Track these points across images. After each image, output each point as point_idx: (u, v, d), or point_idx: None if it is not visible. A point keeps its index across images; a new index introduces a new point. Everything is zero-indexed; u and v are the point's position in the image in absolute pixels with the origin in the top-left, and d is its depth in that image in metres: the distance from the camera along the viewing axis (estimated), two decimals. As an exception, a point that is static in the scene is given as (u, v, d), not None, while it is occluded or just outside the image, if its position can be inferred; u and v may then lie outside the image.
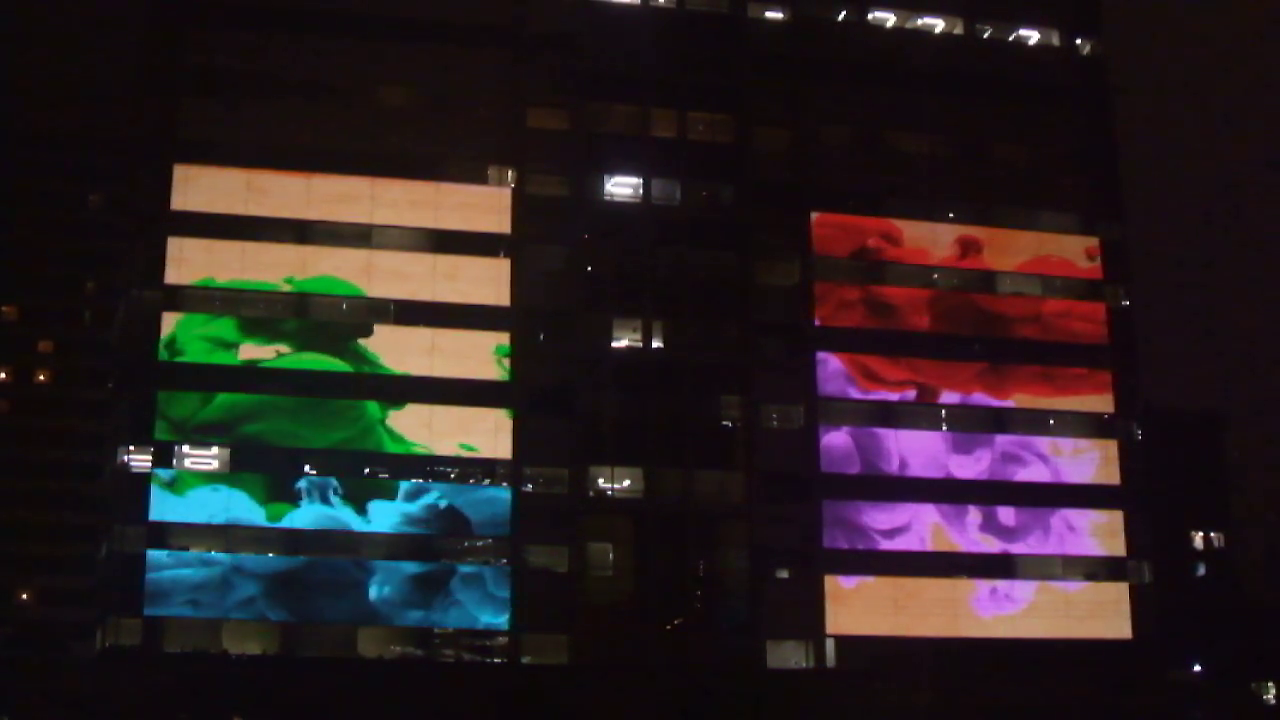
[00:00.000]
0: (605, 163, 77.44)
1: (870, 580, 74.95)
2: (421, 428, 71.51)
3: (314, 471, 70.13)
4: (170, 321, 70.45)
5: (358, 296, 72.46)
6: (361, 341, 72.18)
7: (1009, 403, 79.40)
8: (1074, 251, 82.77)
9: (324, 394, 70.92)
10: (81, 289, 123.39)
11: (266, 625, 68.22)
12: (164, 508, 68.19)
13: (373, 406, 71.32)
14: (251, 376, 70.42)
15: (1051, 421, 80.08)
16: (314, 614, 68.91)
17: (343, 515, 69.77)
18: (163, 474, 68.64)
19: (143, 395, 69.73)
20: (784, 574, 74.92)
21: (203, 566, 67.93)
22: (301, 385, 70.84)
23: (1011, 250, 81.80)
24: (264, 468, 69.41)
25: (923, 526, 76.62)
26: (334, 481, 70.11)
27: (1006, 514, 77.83)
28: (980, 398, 79.17)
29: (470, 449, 71.89)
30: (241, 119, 73.47)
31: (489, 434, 72.12)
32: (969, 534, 77.16)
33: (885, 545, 75.88)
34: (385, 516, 70.37)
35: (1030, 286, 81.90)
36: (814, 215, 79.18)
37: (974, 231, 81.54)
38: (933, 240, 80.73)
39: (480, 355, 73.01)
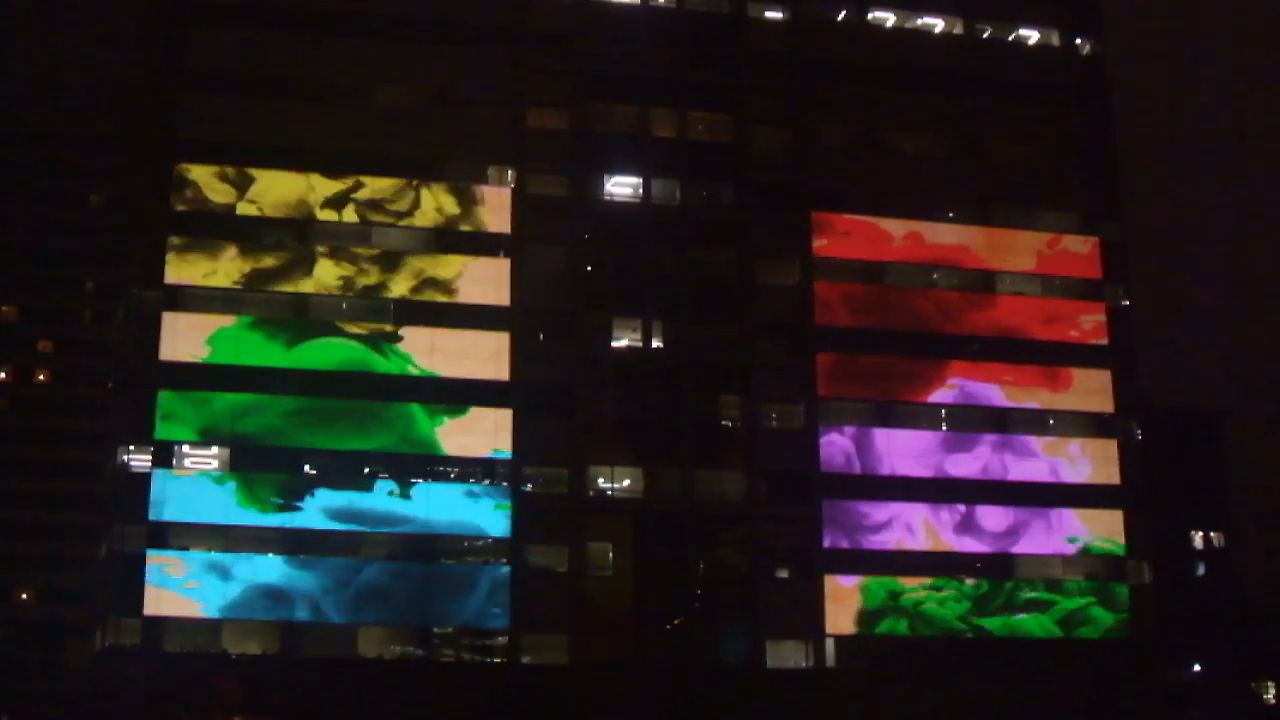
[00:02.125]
0: (605, 163, 77.43)
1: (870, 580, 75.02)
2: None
3: (314, 472, 70.16)
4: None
5: (359, 298, 72.50)
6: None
7: (1009, 402, 79.37)
8: (1074, 251, 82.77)
9: (333, 394, 70.91)
10: (81, 289, 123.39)
11: (266, 625, 68.18)
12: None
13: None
14: (254, 377, 70.35)
15: (1051, 421, 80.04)
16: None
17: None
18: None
19: (143, 395, 69.68)
20: (784, 574, 74.95)
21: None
22: (308, 385, 70.88)
23: (1011, 250, 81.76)
24: (265, 467, 69.33)
25: (922, 526, 76.55)
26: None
27: (1006, 514, 77.79)
28: (980, 397, 79.14)
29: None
30: (241, 119, 73.49)
31: (489, 434, 72.14)
32: (968, 534, 77.10)
33: (885, 545, 75.78)
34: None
35: (1030, 286, 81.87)
36: (814, 215, 79.16)
37: (974, 231, 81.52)
38: (933, 240, 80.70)
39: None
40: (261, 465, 69.44)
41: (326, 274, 72.46)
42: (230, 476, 69.15)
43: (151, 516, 67.82)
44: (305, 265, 72.47)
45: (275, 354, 70.92)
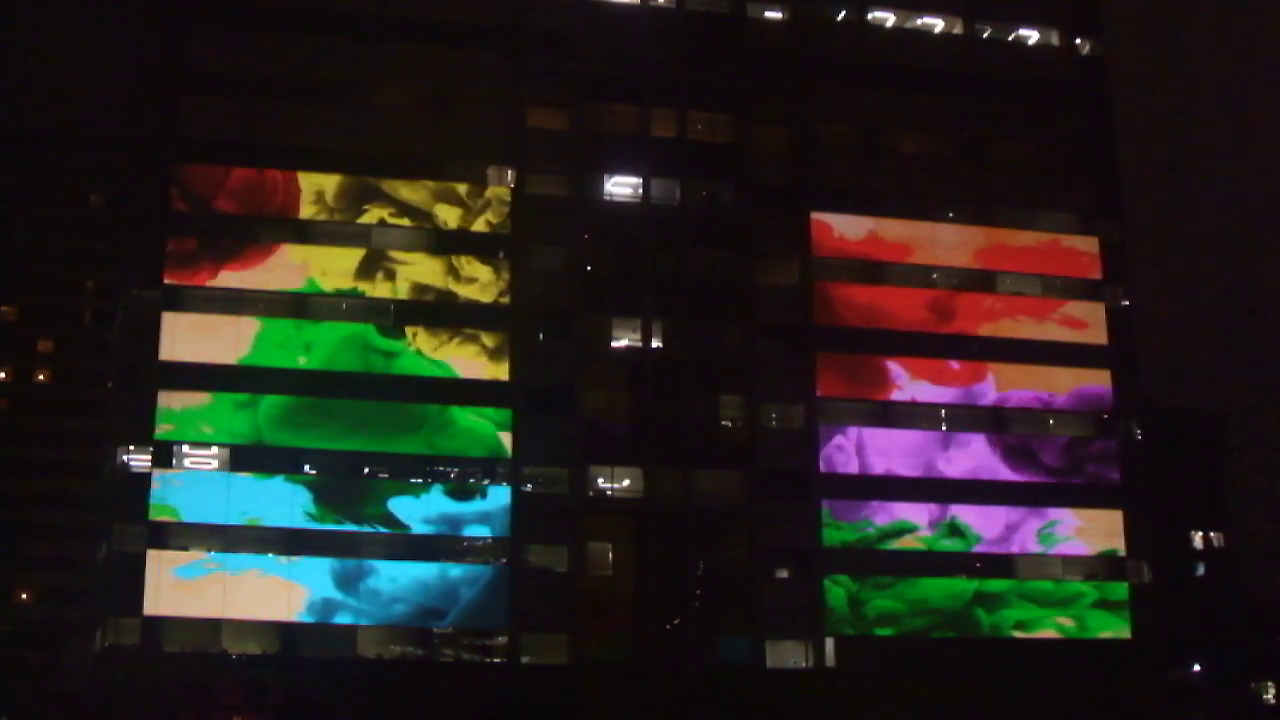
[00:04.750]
0: (605, 163, 77.42)
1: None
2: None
3: (314, 471, 70.21)
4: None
5: (360, 298, 72.53)
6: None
7: (1009, 402, 79.37)
8: (1074, 251, 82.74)
9: (334, 394, 71.03)
10: (81, 289, 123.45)
11: (266, 625, 68.15)
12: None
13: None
14: (255, 377, 70.38)
15: (1051, 421, 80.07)
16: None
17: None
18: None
19: (143, 395, 69.69)
20: (784, 574, 74.96)
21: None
22: (309, 385, 70.98)
23: (1011, 250, 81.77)
24: (264, 467, 69.36)
25: (921, 525, 76.54)
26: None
27: (1006, 513, 77.76)
28: (980, 397, 79.13)
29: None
30: (241, 119, 73.51)
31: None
32: (968, 533, 77.10)
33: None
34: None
35: (1030, 286, 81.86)
36: (814, 215, 79.17)
37: (974, 231, 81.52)
38: (933, 240, 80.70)
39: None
40: (261, 466, 69.40)
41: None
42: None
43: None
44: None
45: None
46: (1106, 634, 77.29)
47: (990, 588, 76.53)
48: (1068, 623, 77.00)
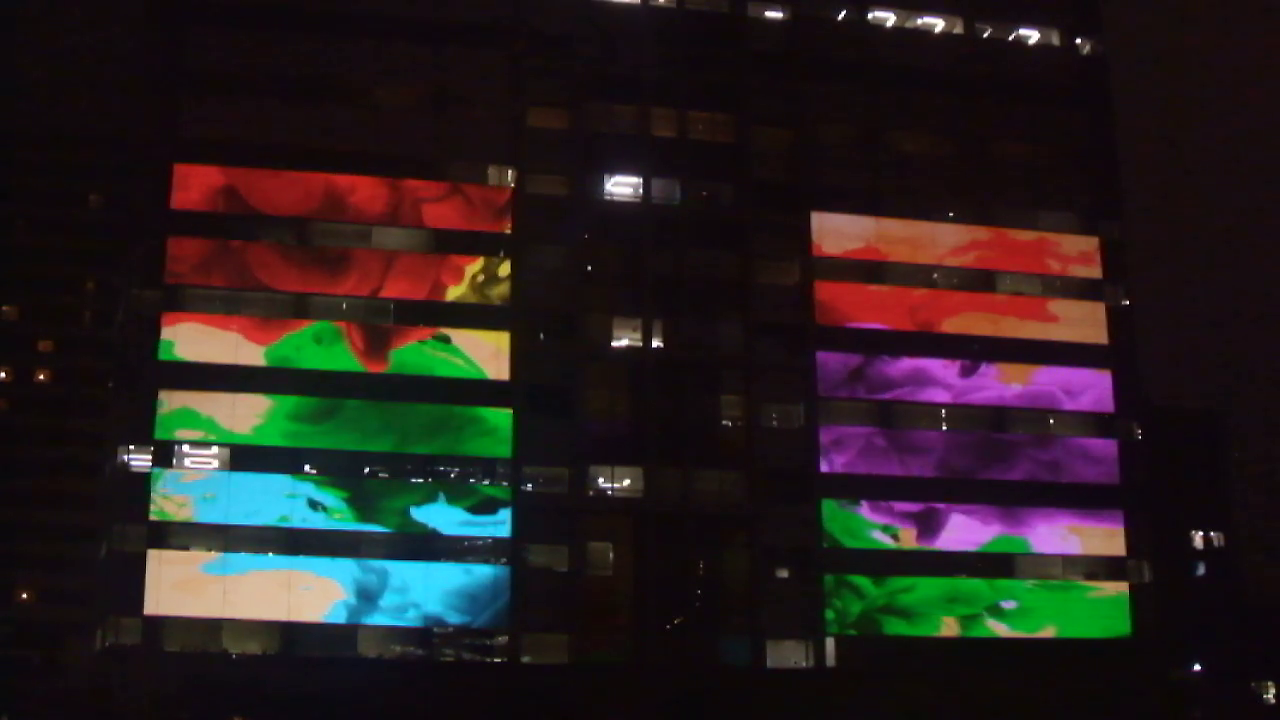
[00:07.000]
0: (605, 163, 77.43)
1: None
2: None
3: (315, 471, 70.18)
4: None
5: (360, 298, 72.48)
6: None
7: (1008, 402, 79.35)
8: (1074, 251, 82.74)
9: (333, 394, 71.03)
10: (81, 289, 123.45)
11: (266, 625, 68.16)
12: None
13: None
14: (254, 376, 70.37)
15: (1051, 421, 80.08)
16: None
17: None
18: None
19: (143, 395, 69.71)
20: (784, 574, 74.95)
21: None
22: (312, 385, 70.99)
23: (1011, 250, 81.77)
24: (263, 467, 69.31)
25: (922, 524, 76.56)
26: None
27: (1006, 513, 77.73)
28: (980, 396, 79.12)
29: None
30: (241, 119, 73.52)
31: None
32: (968, 533, 77.08)
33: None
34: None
35: (1030, 286, 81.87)
36: (814, 215, 79.17)
37: (974, 231, 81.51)
38: (933, 240, 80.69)
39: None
40: (261, 466, 69.39)
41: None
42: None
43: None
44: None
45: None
46: (1106, 633, 77.41)
47: (988, 586, 76.60)
48: (1067, 623, 77.02)
